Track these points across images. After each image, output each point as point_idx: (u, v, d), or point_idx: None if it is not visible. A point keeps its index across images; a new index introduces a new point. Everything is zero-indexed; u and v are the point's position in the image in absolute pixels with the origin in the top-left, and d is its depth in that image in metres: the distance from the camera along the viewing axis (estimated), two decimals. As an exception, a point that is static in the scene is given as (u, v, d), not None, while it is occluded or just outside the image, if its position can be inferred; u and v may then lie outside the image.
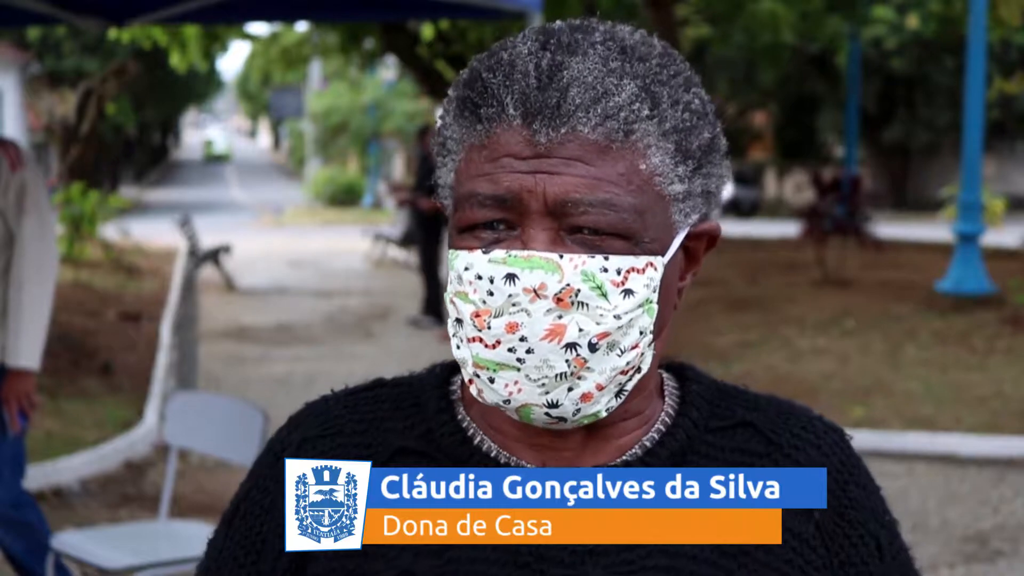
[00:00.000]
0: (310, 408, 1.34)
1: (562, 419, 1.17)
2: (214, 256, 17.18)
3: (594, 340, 1.14)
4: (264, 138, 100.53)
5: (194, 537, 4.64)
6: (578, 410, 1.16)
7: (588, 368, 1.15)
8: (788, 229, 18.56)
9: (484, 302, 1.15)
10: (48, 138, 23.91)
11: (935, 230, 22.47)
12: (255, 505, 1.31)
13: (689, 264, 1.26)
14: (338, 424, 1.30)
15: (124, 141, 44.84)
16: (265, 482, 1.31)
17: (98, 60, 28.96)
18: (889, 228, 21.80)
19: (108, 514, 6.68)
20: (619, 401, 1.19)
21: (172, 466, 4.90)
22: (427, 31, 19.33)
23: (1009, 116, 32.35)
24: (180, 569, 4.52)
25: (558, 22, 1.22)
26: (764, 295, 13.83)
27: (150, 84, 34.39)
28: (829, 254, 15.59)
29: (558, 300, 1.13)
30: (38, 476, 6.97)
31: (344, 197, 38.17)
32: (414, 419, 1.29)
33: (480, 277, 1.15)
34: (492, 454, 1.25)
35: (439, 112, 1.25)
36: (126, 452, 7.73)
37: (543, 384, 1.15)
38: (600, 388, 1.16)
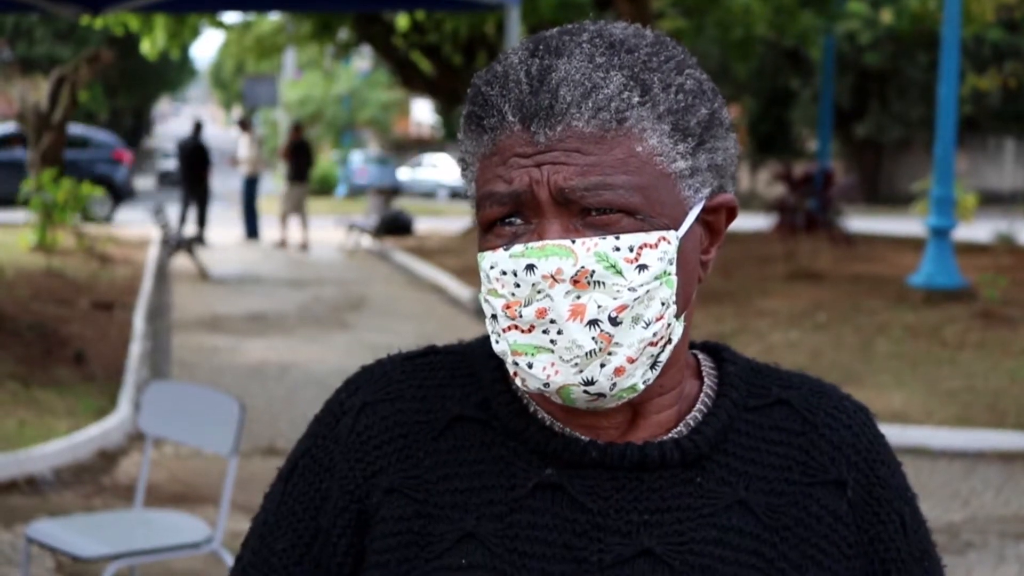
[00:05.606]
0: (368, 372, 1.40)
1: (600, 395, 1.24)
2: (187, 245, 17.13)
3: (613, 314, 1.21)
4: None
5: (169, 526, 4.63)
6: (614, 384, 1.23)
7: (616, 343, 1.22)
8: (761, 223, 18.60)
9: (513, 294, 1.23)
10: (21, 125, 23.77)
11: (907, 224, 22.58)
12: (315, 463, 1.37)
13: (712, 238, 1.33)
14: (398, 389, 1.36)
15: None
16: (325, 442, 1.37)
17: (71, 47, 28.82)
18: (861, 222, 21.89)
19: (82, 503, 6.66)
20: (655, 373, 1.26)
21: (147, 455, 4.90)
22: (402, 21, 19.25)
23: (982, 112, 32.53)
24: (155, 558, 4.51)
25: (552, 29, 1.30)
26: (737, 288, 13.87)
27: (123, 72, 34.23)
28: (801, 248, 15.65)
29: (575, 282, 1.21)
30: (11, 465, 6.95)
31: (318, 187, 38.09)
32: (470, 388, 1.36)
33: (505, 273, 1.24)
34: (547, 423, 1.31)
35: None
36: (100, 441, 7.70)
37: (576, 363, 1.22)
38: (631, 361, 1.23)
